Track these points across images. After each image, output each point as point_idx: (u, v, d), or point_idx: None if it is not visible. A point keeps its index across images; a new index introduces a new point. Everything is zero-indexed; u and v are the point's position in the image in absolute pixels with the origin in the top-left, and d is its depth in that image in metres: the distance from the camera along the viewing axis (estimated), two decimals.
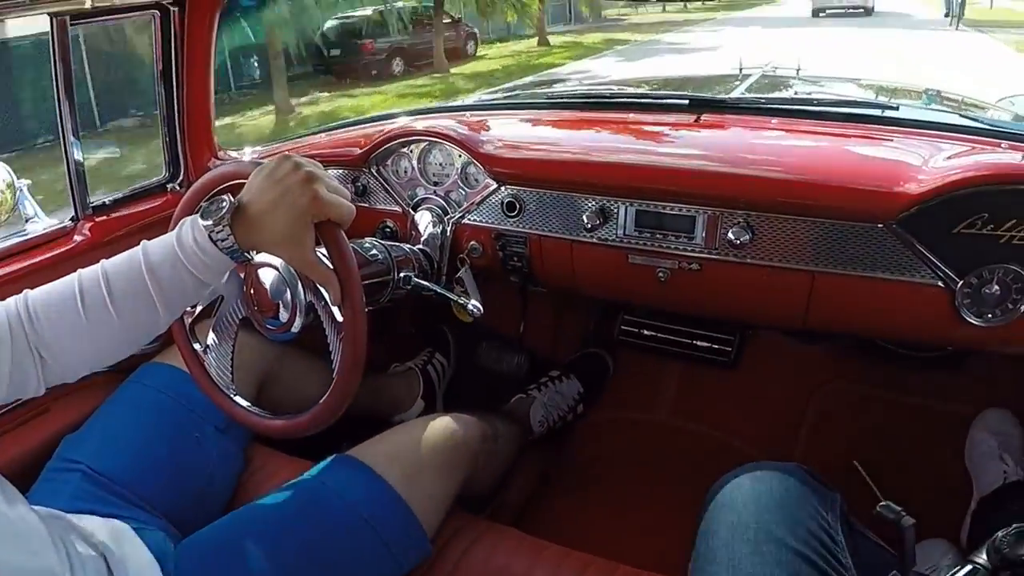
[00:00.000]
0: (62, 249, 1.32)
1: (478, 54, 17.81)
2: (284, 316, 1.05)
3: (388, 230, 1.53)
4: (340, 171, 1.54)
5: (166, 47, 1.44)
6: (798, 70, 2.15)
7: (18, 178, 1.29)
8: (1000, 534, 0.69)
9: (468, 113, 1.65)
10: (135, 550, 0.95)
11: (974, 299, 1.09)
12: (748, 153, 1.30)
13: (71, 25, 1.25)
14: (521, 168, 1.38)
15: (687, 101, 1.49)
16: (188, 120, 1.51)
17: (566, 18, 25.94)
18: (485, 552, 1.10)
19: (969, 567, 0.69)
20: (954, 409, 1.68)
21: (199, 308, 1.10)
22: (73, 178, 1.34)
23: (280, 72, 11.71)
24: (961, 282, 1.09)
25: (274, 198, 0.87)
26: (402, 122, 1.60)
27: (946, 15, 17.44)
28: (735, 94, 1.59)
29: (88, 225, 1.38)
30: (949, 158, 1.16)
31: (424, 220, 1.48)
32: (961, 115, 1.67)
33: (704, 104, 1.48)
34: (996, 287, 1.07)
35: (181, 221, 0.89)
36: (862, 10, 21.27)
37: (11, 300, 0.86)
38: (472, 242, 1.47)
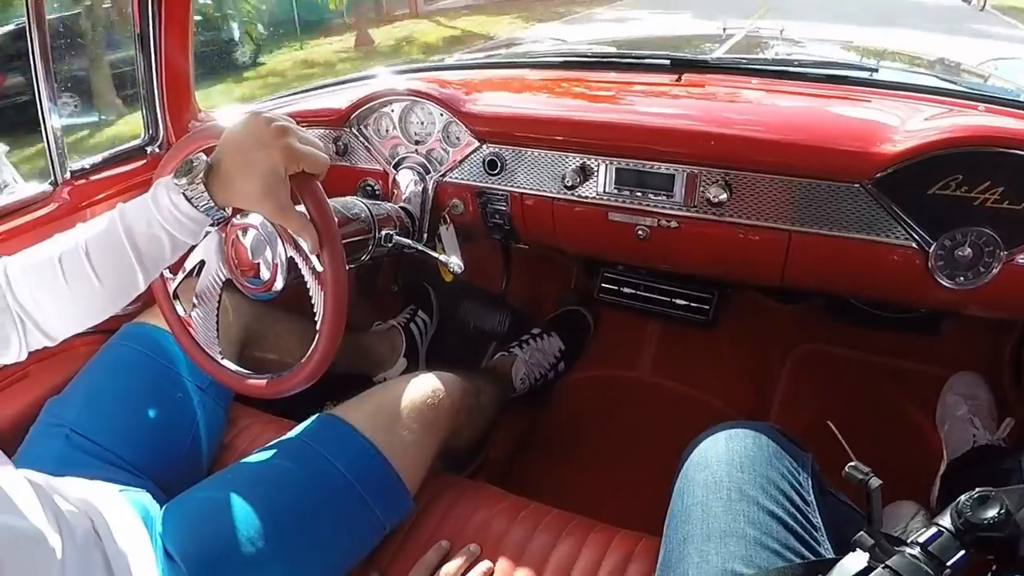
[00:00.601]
0: (41, 213, 1.31)
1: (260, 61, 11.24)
2: (265, 274, 1.06)
3: (370, 189, 1.53)
4: (322, 131, 1.53)
5: (143, 8, 1.41)
6: (782, 31, 2.15)
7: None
8: (963, 498, 0.70)
9: (449, 72, 1.64)
10: (122, 512, 0.96)
11: (947, 261, 1.11)
12: (727, 112, 1.31)
13: None
14: (502, 126, 1.38)
15: (668, 61, 1.49)
16: (166, 81, 1.49)
17: None
18: (467, 509, 1.12)
19: (933, 530, 0.69)
20: (927, 371, 1.71)
21: (180, 276, 1.10)
22: (51, 143, 1.33)
23: None
24: (935, 244, 1.10)
25: (247, 153, 0.88)
26: (383, 81, 1.59)
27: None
28: (717, 54, 1.59)
29: (67, 189, 1.36)
30: (926, 120, 1.17)
31: (406, 179, 1.48)
32: (940, 78, 1.67)
33: (685, 64, 1.48)
34: (968, 250, 1.09)
35: (156, 181, 0.90)
36: None
37: None
38: (454, 200, 1.47)
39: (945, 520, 0.71)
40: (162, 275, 1.08)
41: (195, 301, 1.10)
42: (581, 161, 1.31)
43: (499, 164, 1.39)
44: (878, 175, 1.10)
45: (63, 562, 0.79)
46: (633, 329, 1.97)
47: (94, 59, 6.68)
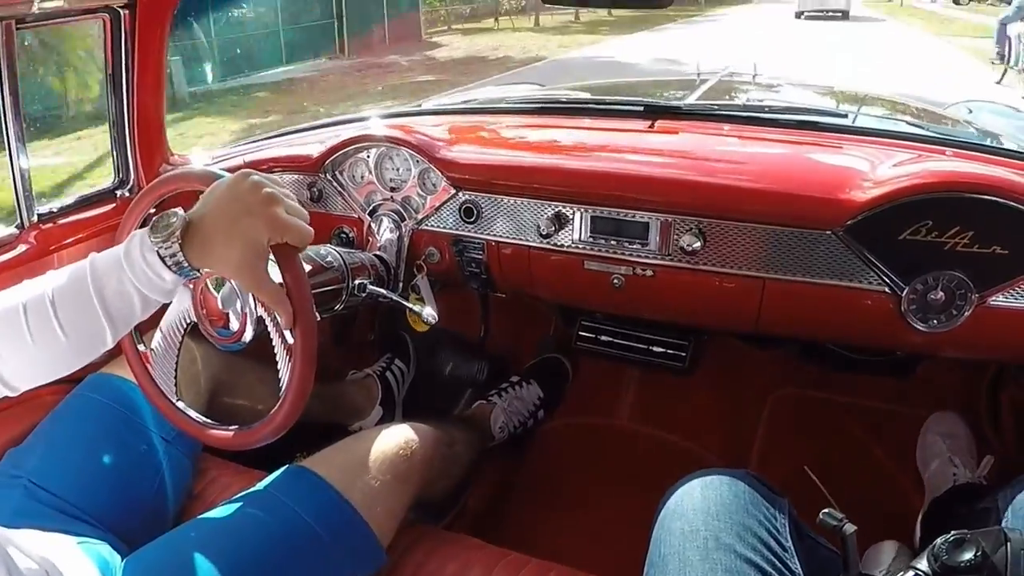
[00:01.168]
0: (6, 257, 1.29)
1: None
2: (234, 326, 1.03)
3: (345, 236, 1.52)
4: (296, 176, 1.53)
5: (116, 51, 1.40)
6: (754, 75, 2.18)
7: None
8: (939, 541, 0.70)
9: (426, 117, 1.65)
10: (80, 565, 0.94)
11: (919, 305, 1.11)
12: (700, 160, 1.32)
13: (16, 30, 1.21)
14: (478, 173, 1.38)
15: (642, 108, 1.50)
16: (138, 124, 1.47)
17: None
18: (442, 561, 1.10)
19: (911, 574, 0.70)
20: (906, 412, 1.71)
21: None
22: (18, 185, 1.30)
23: None
24: (907, 288, 1.11)
25: (231, 218, 0.84)
26: (359, 127, 1.59)
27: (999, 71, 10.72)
28: (689, 100, 1.61)
29: (34, 234, 1.34)
30: (895, 166, 1.18)
31: (381, 226, 1.47)
32: (909, 123, 1.70)
33: (659, 111, 1.49)
34: (941, 293, 1.10)
35: (131, 235, 0.87)
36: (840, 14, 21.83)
37: None
38: (430, 248, 1.46)
39: (922, 563, 0.71)
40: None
41: (157, 342, 1.07)
42: (556, 209, 1.31)
43: (475, 212, 1.38)
44: (849, 222, 1.11)
45: None
46: (611, 376, 1.96)
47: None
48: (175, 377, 1.08)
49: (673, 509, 0.92)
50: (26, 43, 1.32)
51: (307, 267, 1.22)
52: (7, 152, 1.28)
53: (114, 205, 1.48)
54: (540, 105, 1.72)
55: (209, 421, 1.05)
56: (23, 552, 0.87)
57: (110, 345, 0.89)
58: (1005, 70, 10.55)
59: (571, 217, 1.31)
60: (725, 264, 1.21)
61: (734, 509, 0.89)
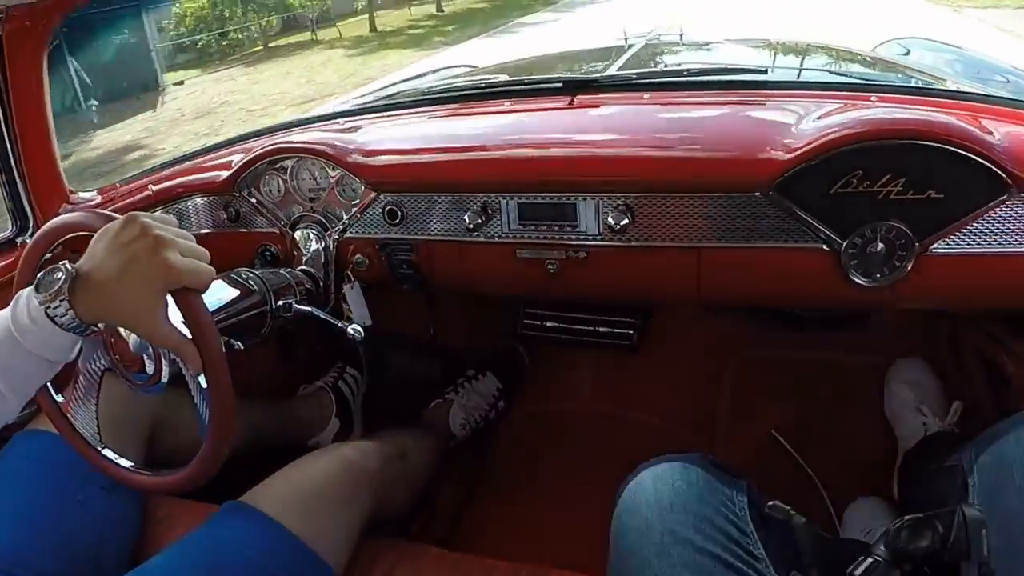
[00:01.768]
0: None
1: None
2: (151, 368, 0.98)
3: (269, 254, 1.46)
4: (208, 199, 1.46)
5: None
6: (681, 35, 2.13)
7: None
8: (894, 527, 0.70)
9: (340, 120, 1.58)
10: None
11: (860, 259, 1.08)
12: (619, 133, 1.28)
13: None
14: (396, 174, 1.33)
15: (560, 84, 1.45)
16: (28, 165, 1.35)
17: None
18: (406, 574, 1.06)
19: (869, 560, 0.69)
20: (867, 362, 1.69)
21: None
22: None
23: None
24: (845, 243, 1.08)
25: (119, 267, 0.79)
26: (268, 140, 1.52)
27: None
28: (608, 71, 1.56)
29: None
30: (819, 118, 1.14)
31: (304, 239, 1.42)
32: (831, 72, 1.67)
33: (578, 85, 1.44)
34: (881, 245, 1.06)
35: (15, 296, 0.81)
36: None
37: None
38: (357, 255, 1.41)
39: (880, 549, 0.70)
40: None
41: (75, 391, 1.01)
42: (482, 200, 1.27)
43: (399, 213, 1.33)
44: (776, 181, 1.07)
45: None
46: (567, 361, 1.94)
47: None
48: (96, 423, 1.02)
49: (626, 507, 0.89)
50: None
51: (233, 292, 1.17)
52: None
53: (15, 255, 1.36)
54: (459, 93, 1.65)
55: (133, 467, 1.00)
56: None
57: (15, 412, 0.84)
58: None
59: (498, 207, 1.26)
60: (657, 238, 1.17)
61: (689, 499, 0.86)
